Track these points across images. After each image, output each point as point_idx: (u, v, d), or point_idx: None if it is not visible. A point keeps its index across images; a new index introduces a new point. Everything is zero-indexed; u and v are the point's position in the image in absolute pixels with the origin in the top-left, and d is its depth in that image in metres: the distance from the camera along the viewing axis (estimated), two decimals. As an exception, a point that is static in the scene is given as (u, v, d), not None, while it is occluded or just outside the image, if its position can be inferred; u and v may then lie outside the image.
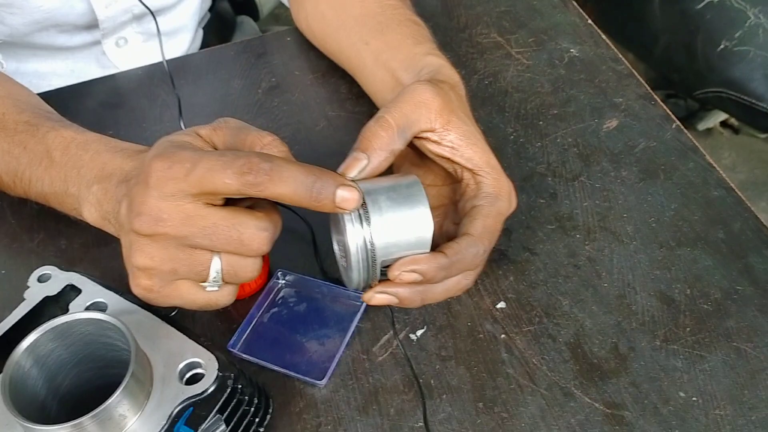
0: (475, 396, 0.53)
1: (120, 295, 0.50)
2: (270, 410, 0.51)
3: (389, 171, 0.51)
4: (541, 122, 0.72)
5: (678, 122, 0.71)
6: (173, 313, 0.52)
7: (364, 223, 0.46)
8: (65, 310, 0.49)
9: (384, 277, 0.48)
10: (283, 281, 0.60)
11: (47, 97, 0.66)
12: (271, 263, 0.61)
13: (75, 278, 0.51)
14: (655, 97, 0.74)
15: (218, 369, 0.45)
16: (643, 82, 0.75)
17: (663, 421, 0.51)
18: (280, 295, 0.60)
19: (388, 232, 0.46)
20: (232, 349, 0.56)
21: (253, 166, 0.42)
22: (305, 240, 0.62)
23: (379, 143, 0.49)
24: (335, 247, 0.51)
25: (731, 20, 1.40)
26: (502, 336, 0.56)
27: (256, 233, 0.45)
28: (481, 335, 0.57)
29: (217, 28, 1.04)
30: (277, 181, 0.43)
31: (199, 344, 0.46)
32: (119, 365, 0.42)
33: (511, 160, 0.69)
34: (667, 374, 0.54)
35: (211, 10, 1.01)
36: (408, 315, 0.58)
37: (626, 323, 0.57)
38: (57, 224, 0.64)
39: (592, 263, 0.61)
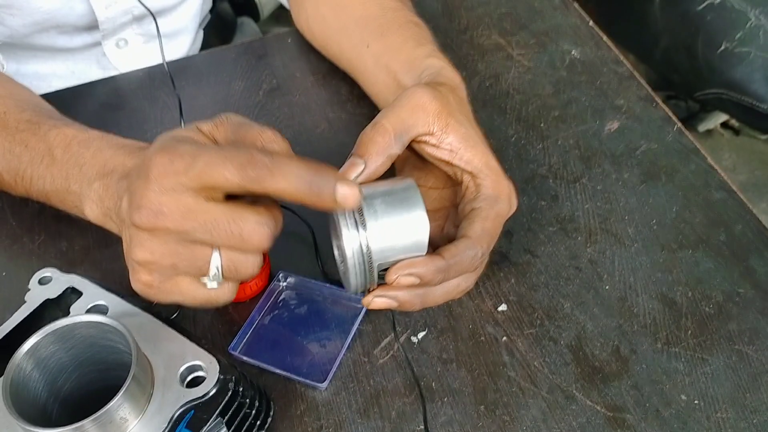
0: (477, 399, 0.53)
1: (121, 298, 0.50)
2: (271, 413, 0.51)
3: (391, 173, 0.51)
4: (542, 124, 0.72)
5: (679, 124, 0.71)
6: (174, 316, 0.52)
7: (360, 228, 0.46)
8: (66, 313, 0.49)
9: (382, 281, 0.48)
10: (284, 283, 0.60)
11: (48, 98, 0.66)
12: (272, 265, 0.61)
13: (76, 281, 0.51)
14: (656, 99, 0.74)
15: (219, 372, 0.45)
16: (644, 83, 0.75)
17: (665, 424, 0.51)
18: (281, 297, 0.60)
19: (384, 236, 0.46)
20: (233, 352, 0.55)
21: (254, 161, 0.42)
22: (306, 242, 0.62)
23: (376, 148, 0.49)
24: (335, 251, 0.51)
25: (732, 22, 1.40)
26: (504, 338, 0.56)
27: (257, 228, 0.44)
28: (483, 338, 0.57)
29: (217, 30, 1.04)
30: (277, 175, 0.42)
31: (200, 347, 0.46)
32: (120, 368, 0.42)
33: (513, 162, 0.69)
34: (668, 377, 0.54)
35: (211, 11, 1.01)
36: (409, 317, 0.58)
37: (628, 326, 0.57)
38: (58, 226, 0.64)
39: (593, 265, 0.60)
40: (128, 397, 0.41)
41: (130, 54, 0.86)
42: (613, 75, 0.76)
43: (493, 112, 0.73)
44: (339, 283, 0.59)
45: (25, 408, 0.41)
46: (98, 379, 0.47)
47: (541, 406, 0.53)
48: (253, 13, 1.17)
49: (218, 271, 0.46)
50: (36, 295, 0.50)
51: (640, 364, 0.54)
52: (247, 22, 1.12)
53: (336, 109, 0.75)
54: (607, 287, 0.59)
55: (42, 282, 0.51)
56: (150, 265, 0.45)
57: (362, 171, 0.48)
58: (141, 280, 0.46)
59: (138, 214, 0.44)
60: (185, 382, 0.45)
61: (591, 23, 0.83)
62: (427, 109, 0.50)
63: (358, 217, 0.46)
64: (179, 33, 0.90)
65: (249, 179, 0.42)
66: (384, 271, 0.48)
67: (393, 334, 0.57)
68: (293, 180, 0.43)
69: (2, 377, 0.41)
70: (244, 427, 0.48)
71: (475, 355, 0.56)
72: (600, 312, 0.58)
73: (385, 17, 0.67)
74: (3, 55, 0.82)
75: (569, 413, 0.52)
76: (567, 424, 0.51)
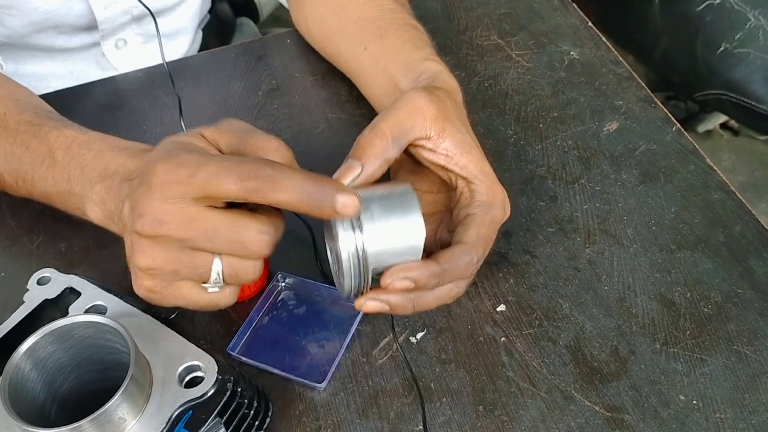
0: (475, 399, 0.53)
1: (119, 298, 0.50)
2: (269, 413, 0.51)
3: (386, 177, 0.51)
4: (541, 125, 0.72)
5: (678, 125, 0.71)
6: (173, 316, 0.52)
7: (357, 231, 0.46)
8: (65, 313, 0.49)
9: (376, 284, 0.48)
10: (283, 284, 0.60)
11: (47, 99, 0.66)
12: (270, 266, 0.61)
13: (74, 281, 0.51)
14: (656, 99, 0.74)
15: (218, 372, 0.45)
16: (643, 84, 0.75)
17: (663, 425, 0.51)
18: (280, 297, 0.60)
19: (381, 239, 0.46)
20: (231, 352, 0.55)
21: (256, 173, 0.43)
22: (305, 243, 0.62)
23: (374, 151, 0.49)
24: (328, 254, 0.51)
25: (731, 22, 1.40)
26: (502, 339, 0.56)
27: (258, 236, 0.45)
28: (481, 338, 0.57)
29: (216, 30, 1.04)
30: (278, 188, 0.43)
31: (199, 347, 0.46)
32: (119, 368, 0.42)
33: (511, 163, 0.69)
34: (667, 377, 0.54)
35: (210, 11, 1.01)
36: (408, 318, 0.58)
37: (626, 326, 0.57)
38: (57, 226, 0.64)
39: (592, 266, 0.61)
40: (127, 397, 0.41)
41: (129, 54, 0.86)
42: (612, 76, 0.76)
43: (492, 113, 0.73)
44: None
45: (23, 408, 0.41)
46: (97, 379, 0.47)
47: (540, 406, 0.53)
48: (253, 13, 1.17)
49: (219, 276, 0.46)
50: (35, 296, 0.50)
51: (639, 364, 0.54)
52: (246, 23, 1.12)
53: (335, 109, 0.75)
54: (605, 288, 0.59)
55: (41, 282, 0.51)
56: (152, 271, 0.46)
57: (359, 174, 0.49)
58: (143, 286, 0.47)
59: (140, 221, 0.44)
60: (184, 383, 0.45)
61: (590, 24, 0.83)
62: (424, 113, 0.51)
63: (355, 221, 0.46)
64: (178, 33, 0.90)
65: (250, 191, 0.43)
66: (379, 275, 0.48)
67: (392, 335, 0.57)
68: (294, 192, 0.43)
69: (1, 377, 0.41)
70: (243, 428, 0.48)
71: (474, 355, 0.56)
72: (599, 312, 0.58)
73: (383, 19, 0.67)
74: (2, 55, 0.82)
75: (568, 413, 0.52)
76: (565, 424, 0.51)
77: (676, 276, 0.59)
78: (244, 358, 0.55)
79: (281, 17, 1.33)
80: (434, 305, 0.51)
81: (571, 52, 0.79)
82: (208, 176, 0.43)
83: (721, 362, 0.54)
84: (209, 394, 0.44)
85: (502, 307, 0.58)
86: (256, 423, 0.49)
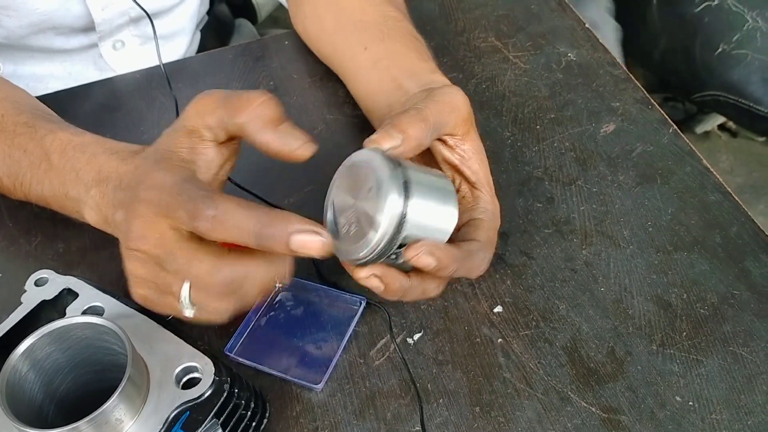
0: (472, 400, 0.53)
1: (117, 299, 0.50)
2: (267, 414, 0.51)
3: None
4: (538, 126, 0.72)
5: (675, 126, 0.71)
6: (170, 317, 0.52)
7: (403, 197, 0.46)
8: (62, 314, 0.49)
9: (386, 261, 0.48)
10: (280, 285, 0.60)
11: (44, 100, 0.66)
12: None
13: (72, 282, 0.51)
14: (652, 101, 0.74)
15: (215, 373, 0.45)
16: (640, 86, 0.75)
17: (659, 426, 0.51)
18: (277, 298, 0.60)
19: (422, 213, 0.47)
20: (228, 353, 0.56)
21: (199, 213, 0.43)
22: (302, 244, 0.62)
23: (414, 132, 0.49)
24: (333, 212, 0.50)
25: (729, 23, 1.41)
26: (499, 340, 0.56)
27: (208, 275, 0.45)
28: (478, 339, 0.57)
29: (215, 31, 1.04)
30: (220, 229, 0.43)
31: (196, 348, 0.47)
32: (116, 369, 0.42)
33: (509, 164, 0.69)
34: (663, 379, 0.54)
35: (208, 13, 1.01)
36: (405, 319, 0.58)
37: (623, 327, 0.57)
38: (54, 227, 0.64)
39: (588, 267, 0.61)
40: (124, 398, 0.41)
41: (127, 55, 0.87)
42: (609, 77, 0.77)
43: (489, 114, 0.73)
44: (335, 285, 0.59)
45: (20, 409, 0.41)
46: (94, 380, 0.48)
47: (537, 407, 0.53)
48: (251, 15, 1.17)
49: (186, 300, 0.46)
50: (32, 297, 0.50)
51: (635, 365, 0.55)
52: (244, 24, 1.12)
53: (333, 110, 0.75)
54: (602, 289, 0.59)
55: (38, 283, 0.51)
56: (140, 280, 0.48)
57: (397, 146, 0.49)
58: (137, 293, 0.49)
59: (127, 233, 0.46)
60: (181, 384, 0.45)
61: (587, 25, 0.83)
62: (460, 111, 0.52)
63: (404, 186, 0.46)
64: (176, 35, 0.90)
65: (197, 228, 0.44)
66: (399, 248, 0.47)
67: (389, 336, 0.57)
68: (236, 233, 0.43)
69: (-2, 378, 0.41)
70: (240, 429, 0.48)
71: (471, 356, 0.56)
72: (595, 314, 0.58)
73: (386, 24, 0.68)
74: (0, 56, 0.83)
75: (564, 415, 0.52)
76: (562, 425, 0.52)
77: (673, 277, 0.60)
78: (241, 359, 0.55)
79: (279, 18, 1.33)
80: (417, 298, 0.52)
81: (569, 54, 0.79)
82: (167, 207, 0.44)
83: (717, 363, 0.54)
84: (206, 395, 0.44)
85: (498, 309, 0.58)
86: (253, 424, 0.49)
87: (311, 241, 0.43)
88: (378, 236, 0.46)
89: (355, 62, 0.69)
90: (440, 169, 0.55)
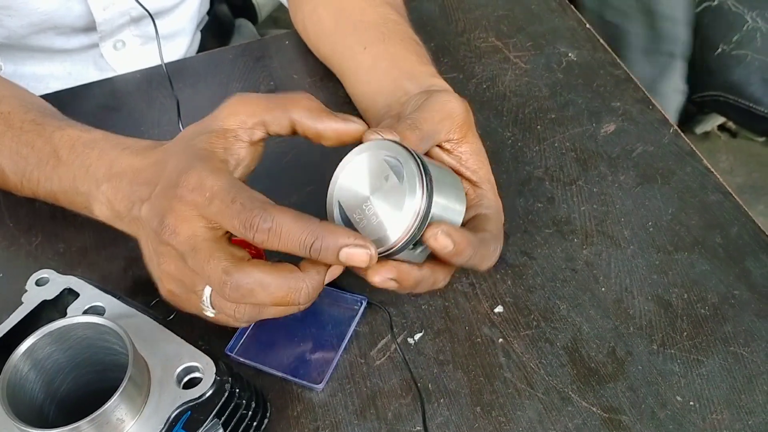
0: (473, 400, 0.53)
1: (118, 299, 0.50)
2: (268, 414, 0.51)
3: None
4: (538, 126, 0.72)
5: (675, 126, 0.71)
6: (171, 317, 0.52)
7: (428, 192, 0.46)
8: (63, 314, 0.49)
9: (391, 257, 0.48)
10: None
11: (45, 100, 0.66)
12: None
13: (73, 282, 0.51)
14: (653, 101, 0.74)
15: (216, 373, 0.45)
16: (640, 86, 0.75)
17: (660, 426, 0.51)
18: (278, 298, 0.60)
19: (441, 207, 0.47)
20: (230, 353, 0.56)
21: (255, 224, 0.44)
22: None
23: (409, 142, 0.50)
24: (341, 209, 0.50)
25: (729, 24, 1.41)
26: (500, 340, 0.57)
27: (219, 276, 0.45)
28: (479, 339, 0.57)
29: (215, 31, 1.04)
30: (274, 241, 0.44)
31: (197, 348, 0.47)
32: (117, 369, 0.42)
33: (509, 164, 0.69)
34: (664, 378, 0.54)
35: (209, 13, 1.01)
36: (406, 319, 0.58)
37: (624, 327, 0.57)
38: (55, 227, 0.64)
39: (589, 267, 0.61)
40: (125, 398, 0.41)
41: (128, 56, 0.87)
42: (610, 77, 0.77)
43: (489, 115, 0.73)
44: (336, 285, 0.59)
45: (21, 409, 0.41)
46: (95, 380, 0.48)
47: (537, 407, 0.53)
48: (251, 15, 1.17)
49: (207, 301, 0.47)
50: (33, 297, 0.50)
51: (636, 365, 0.55)
52: (244, 24, 1.12)
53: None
54: (603, 289, 0.59)
55: (39, 283, 0.51)
56: (169, 276, 0.48)
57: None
58: (164, 289, 0.49)
59: (160, 228, 0.46)
60: (182, 384, 0.45)
61: (588, 26, 0.83)
62: (455, 118, 0.52)
63: (426, 180, 0.46)
64: (177, 35, 0.90)
65: (251, 238, 0.44)
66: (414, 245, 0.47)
67: (390, 336, 0.57)
68: (290, 245, 0.44)
69: (-1, 378, 0.41)
70: (241, 428, 0.48)
71: (472, 356, 0.56)
72: (596, 314, 0.58)
73: (386, 26, 0.68)
74: (1, 56, 0.83)
75: (565, 414, 0.52)
76: (563, 425, 0.52)
77: (673, 277, 0.60)
78: (242, 359, 0.55)
79: (280, 19, 1.33)
80: (427, 289, 0.51)
81: (569, 54, 0.79)
82: (218, 211, 0.45)
83: (717, 363, 0.55)
84: (207, 395, 0.44)
85: (499, 309, 0.58)
86: (254, 424, 0.49)
87: (359, 254, 0.45)
88: (405, 228, 0.46)
89: (355, 62, 0.69)
90: None
